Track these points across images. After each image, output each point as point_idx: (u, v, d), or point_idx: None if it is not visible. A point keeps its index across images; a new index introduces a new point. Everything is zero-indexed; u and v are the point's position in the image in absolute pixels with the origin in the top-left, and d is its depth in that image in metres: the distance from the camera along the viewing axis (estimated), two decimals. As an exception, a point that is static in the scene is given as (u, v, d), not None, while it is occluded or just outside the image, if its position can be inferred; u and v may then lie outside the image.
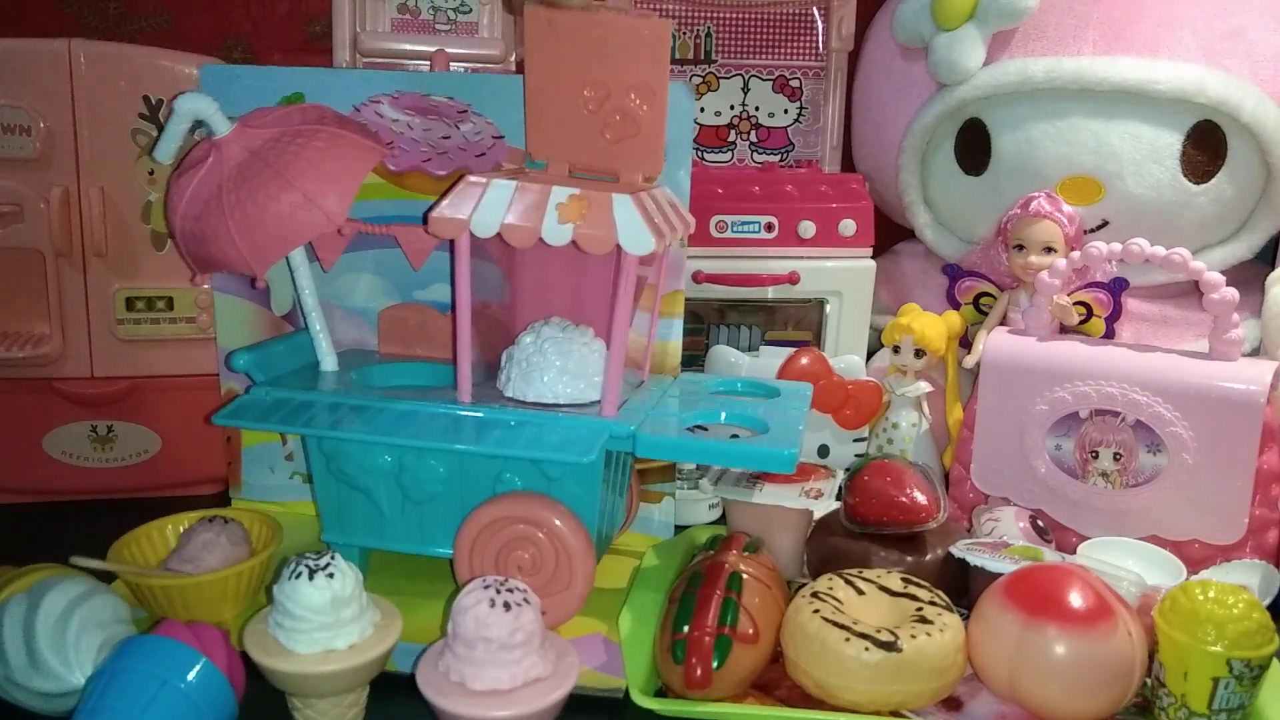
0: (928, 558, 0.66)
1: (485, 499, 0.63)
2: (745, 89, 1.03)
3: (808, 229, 0.84)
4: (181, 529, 0.68)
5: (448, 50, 0.87)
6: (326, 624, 0.53)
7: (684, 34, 1.02)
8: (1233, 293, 0.68)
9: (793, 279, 0.85)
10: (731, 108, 1.03)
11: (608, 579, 0.68)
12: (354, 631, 0.54)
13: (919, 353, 0.79)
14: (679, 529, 0.77)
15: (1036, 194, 0.80)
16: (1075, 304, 0.77)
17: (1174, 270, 0.70)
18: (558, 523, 0.62)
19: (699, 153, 1.04)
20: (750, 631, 0.57)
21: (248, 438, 0.79)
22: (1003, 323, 0.82)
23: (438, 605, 0.63)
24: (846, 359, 0.82)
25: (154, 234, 0.78)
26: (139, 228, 0.78)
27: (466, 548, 0.63)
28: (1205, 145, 0.80)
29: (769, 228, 0.85)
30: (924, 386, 0.80)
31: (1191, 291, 0.80)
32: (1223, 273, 0.70)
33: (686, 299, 0.75)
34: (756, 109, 1.04)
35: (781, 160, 1.04)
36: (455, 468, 0.64)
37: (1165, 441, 0.68)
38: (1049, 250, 0.78)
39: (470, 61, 0.93)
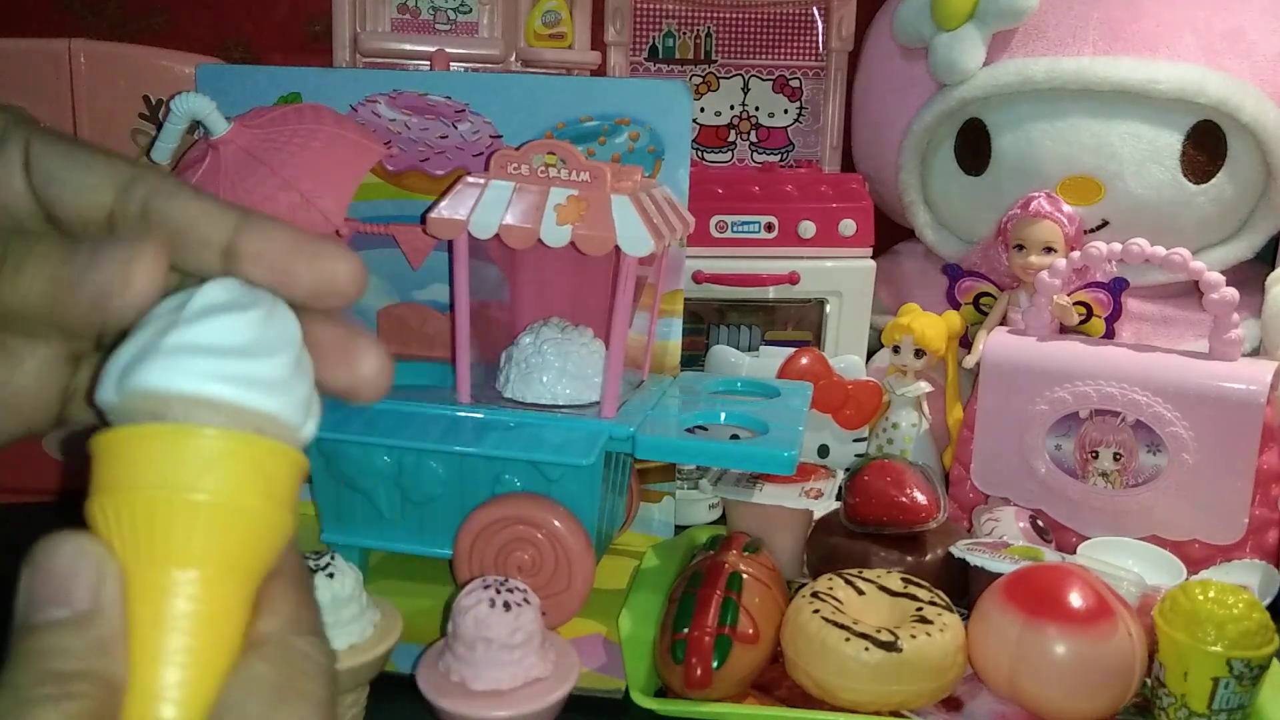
0: (928, 558, 0.66)
1: (485, 500, 0.63)
2: (745, 89, 1.03)
3: (808, 229, 0.84)
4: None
5: (448, 50, 0.87)
6: (326, 624, 0.52)
7: (684, 34, 1.02)
8: (1233, 293, 0.68)
9: (793, 279, 0.85)
10: (731, 108, 1.03)
11: (608, 579, 0.68)
12: (354, 631, 0.54)
13: (919, 353, 0.79)
14: (679, 529, 0.77)
15: (1036, 194, 0.80)
16: (1075, 304, 0.77)
17: (1174, 270, 0.70)
18: (557, 524, 0.62)
19: (699, 153, 1.04)
20: (750, 631, 0.57)
21: (247, 438, 0.79)
22: (1003, 323, 0.82)
23: (438, 605, 0.63)
24: (846, 359, 0.82)
25: (154, 234, 0.78)
26: (139, 228, 0.78)
27: (466, 549, 0.63)
28: (1205, 145, 0.80)
29: (769, 228, 0.85)
30: (924, 386, 0.80)
31: (1191, 291, 0.80)
32: (1223, 273, 0.69)
33: (686, 299, 0.75)
34: (756, 109, 1.04)
35: (781, 160, 1.04)
36: (454, 469, 0.64)
37: (1165, 441, 0.68)
38: (1049, 250, 0.78)
39: (470, 61, 0.93)
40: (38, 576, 0.23)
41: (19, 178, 0.25)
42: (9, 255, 0.24)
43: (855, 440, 0.81)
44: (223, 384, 0.23)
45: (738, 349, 0.83)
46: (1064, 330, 0.78)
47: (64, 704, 0.21)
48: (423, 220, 0.63)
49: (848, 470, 0.72)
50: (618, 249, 0.59)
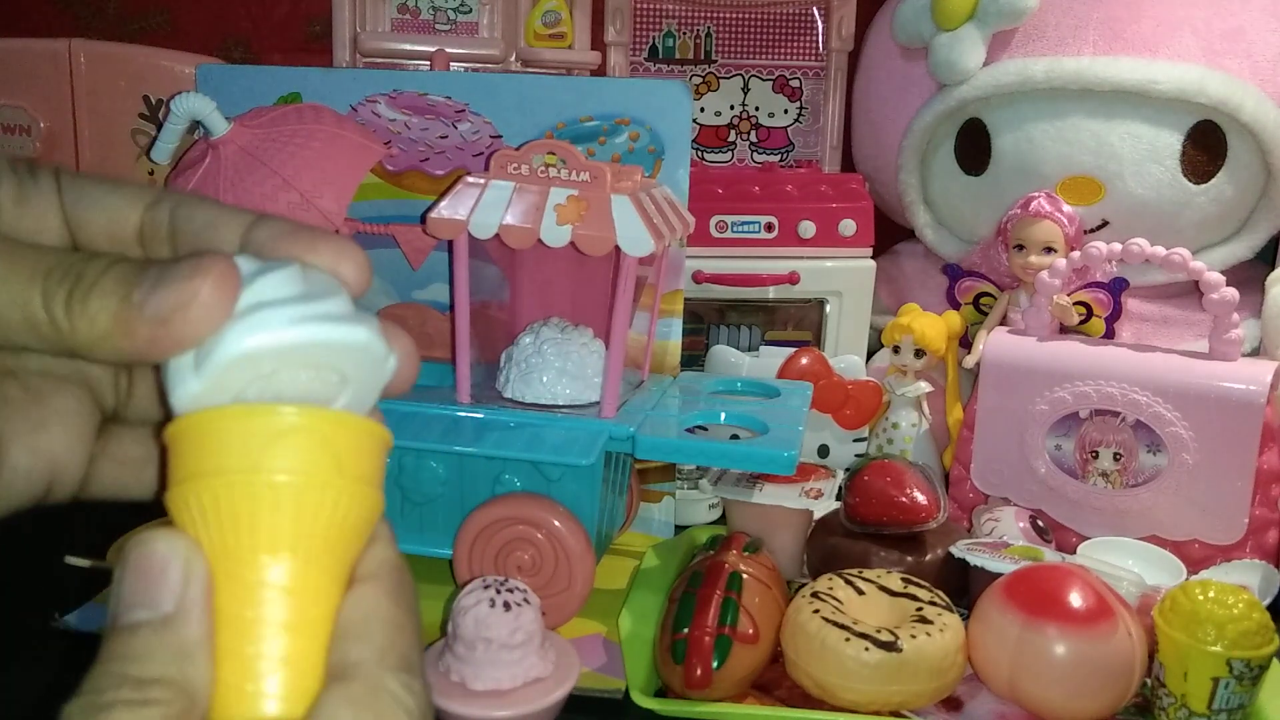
0: (928, 558, 0.66)
1: (485, 500, 0.63)
2: (745, 89, 1.03)
3: (808, 229, 0.84)
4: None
5: (448, 50, 0.87)
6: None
7: (684, 34, 1.02)
8: (1233, 293, 0.68)
9: (793, 279, 0.85)
10: (731, 108, 1.03)
11: (607, 579, 0.68)
12: (354, 632, 0.54)
13: (919, 353, 0.79)
14: (679, 529, 0.77)
15: (1036, 194, 0.80)
16: (1075, 304, 0.77)
17: (1174, 270, 0.70)
18: (557, 524, 0.62)
19: (699, 153, 1.04)
20: (750, 631, 0.57)
21: (247, 438, 0.79)
22: (1003, 323, 0.82)
23: (438, 605, 0.63)
24: (846, 359, 0.82)
25: (153, 234, 0.78)
26: (138, 228, 0.78)
27: (466, 549, 0.63)
28: (1205, 145, 0.80)
29: (769, 228, 0.85)
30: (924, 386, 0.80)
31: (1191, 291, 0.80)
32: (1223, 273, 0.69)
33: (686, 299, 0.75)
34: (756, 109, 1.04)
35: (781, 160, 1.04)
36: (454, 469, 0.64)
37: (1165, 441, 0.68)
38: (1049, 250, 0.78)
39: (470, 61, 0.93)
40: (127, 575, 0.22)
41: (53, 200, 0.24)
42: (85, 275, 0.22)
43: (855, 440, 0.81)
44: (307, 325, 0.21)
45: (738, 349, 0.83)
46: (1064, 330, 0.78)
47: (141, 710, 0.20)
48: (423, 220, 0.63)
49: (848, 470, 0.72)
50: (618, 249, 0.59)
